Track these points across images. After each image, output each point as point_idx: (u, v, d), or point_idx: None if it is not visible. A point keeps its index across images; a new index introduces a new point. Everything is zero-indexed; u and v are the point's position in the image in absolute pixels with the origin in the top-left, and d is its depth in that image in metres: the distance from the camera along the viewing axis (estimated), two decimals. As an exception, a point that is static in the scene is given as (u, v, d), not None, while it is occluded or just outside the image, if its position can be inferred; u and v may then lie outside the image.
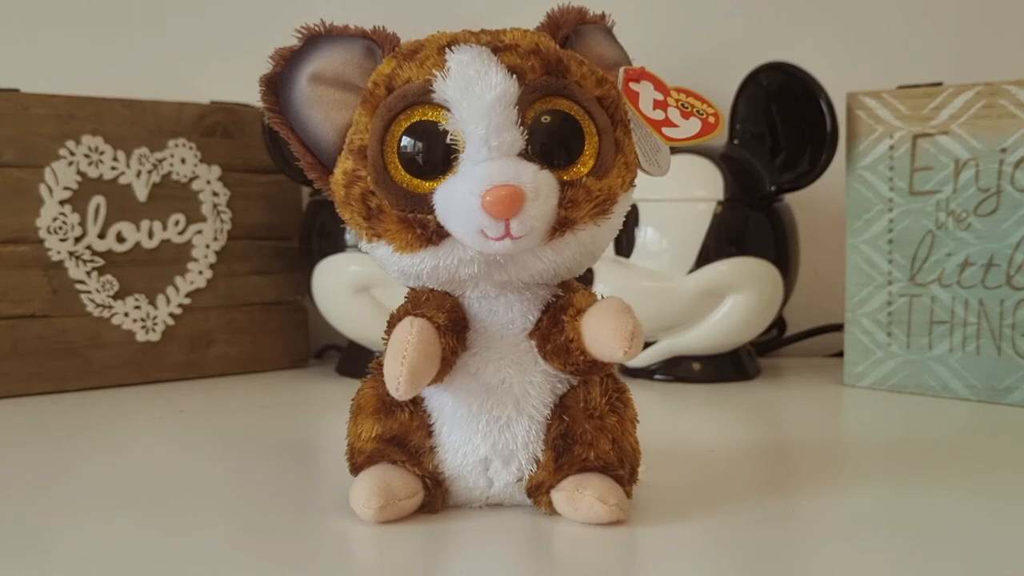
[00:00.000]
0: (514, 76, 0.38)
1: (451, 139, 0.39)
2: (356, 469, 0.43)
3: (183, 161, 0.79)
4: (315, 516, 0.43)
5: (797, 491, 0.47)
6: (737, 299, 0.74)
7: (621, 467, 0.42)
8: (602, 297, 0.41)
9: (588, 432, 0.41)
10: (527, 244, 0.38)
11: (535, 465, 0.41)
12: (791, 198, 0.78)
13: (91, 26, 0.90)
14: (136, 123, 0.77)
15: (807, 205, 0.83)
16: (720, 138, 0.78)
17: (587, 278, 0.74)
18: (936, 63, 0.89)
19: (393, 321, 0.41)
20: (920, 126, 0.69)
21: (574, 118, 0.40)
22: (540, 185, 0.38)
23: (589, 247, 0.41)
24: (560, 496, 0.41)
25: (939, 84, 0.69)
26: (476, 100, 0.38)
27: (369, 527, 0.41)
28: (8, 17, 0.89)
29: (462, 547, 0.40)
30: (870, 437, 0.60)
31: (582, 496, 0.40)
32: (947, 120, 0.68)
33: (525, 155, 0.38)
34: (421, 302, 0.41)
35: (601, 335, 0.39)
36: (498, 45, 0.39)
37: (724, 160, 0.75)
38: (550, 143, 0.39)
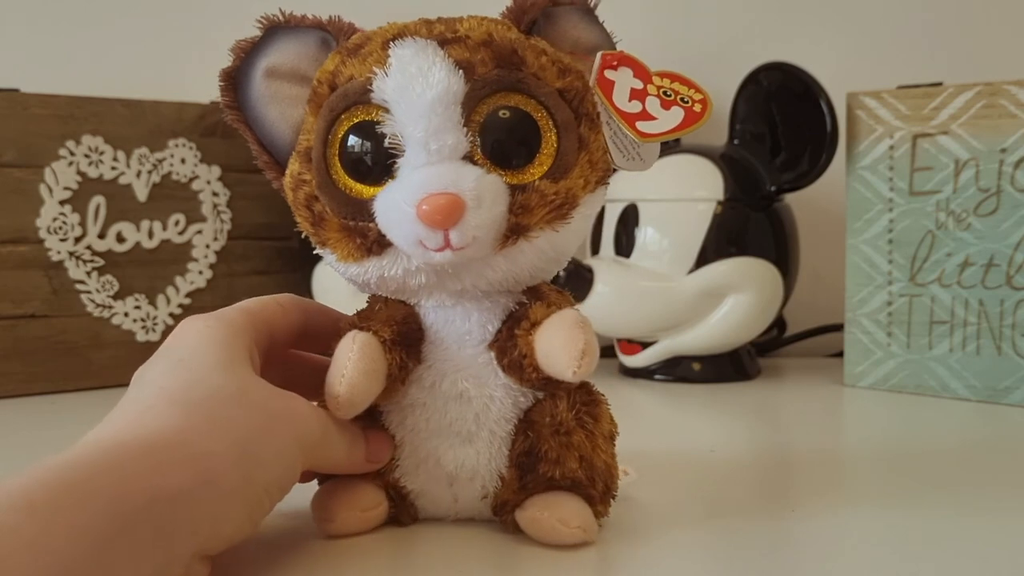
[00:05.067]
0: (460, 71, 0.35)
1: (390, 142, 0.35)
2: (320, 480, 0.41)
3: (183, 161, 0.79)
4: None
5: (797, 491, 0.47)
6: (737, 299, 0.74)
7: (592, 486, 0.38)
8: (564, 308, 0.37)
9: (553, 449, 0.37)
10: (472, 254, 0.35)
11: (499, 482, 0.38)
12: (791, 198, 0.78)
13: (91, 26, 0.90)
14: (136, 123, 0.77)
15: (807, 205, 0.82)
16: (720, 138, 0.78)
17: (587, 278, 0.74)
18: (936, 63, 0.89)
19: (339, 333, 0.37)
20: (920, 126, 0.69)
21: (529, 115, 0.36)
22: (483, 192, 0.34)
23: (549, 253, 0.37)
24: (524, 516, 0.38)
25: (939, 84, 0.69)
26: (416, 100, 0.35)
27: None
28: (8, 17, 0.89)
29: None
30: (870, 437, 0.60)
31: (543, 517, 0.37)
32: (947, 120, 0.68)
33: (472, 158, 0.35)
34: (373, 312, 0.38)
35: (551, 352, 0.35)
36: (447, 37, 0.36)
37: (724, 160, 0.75)
38: (500, 144, 0.36)
